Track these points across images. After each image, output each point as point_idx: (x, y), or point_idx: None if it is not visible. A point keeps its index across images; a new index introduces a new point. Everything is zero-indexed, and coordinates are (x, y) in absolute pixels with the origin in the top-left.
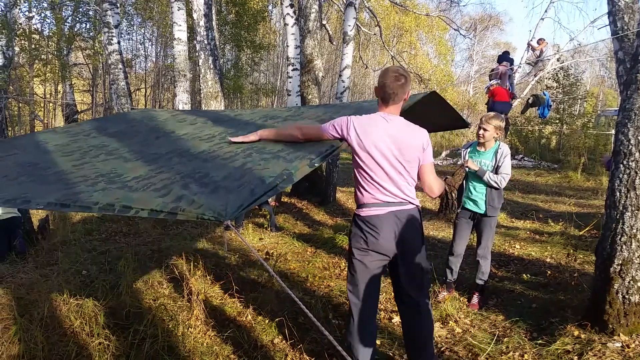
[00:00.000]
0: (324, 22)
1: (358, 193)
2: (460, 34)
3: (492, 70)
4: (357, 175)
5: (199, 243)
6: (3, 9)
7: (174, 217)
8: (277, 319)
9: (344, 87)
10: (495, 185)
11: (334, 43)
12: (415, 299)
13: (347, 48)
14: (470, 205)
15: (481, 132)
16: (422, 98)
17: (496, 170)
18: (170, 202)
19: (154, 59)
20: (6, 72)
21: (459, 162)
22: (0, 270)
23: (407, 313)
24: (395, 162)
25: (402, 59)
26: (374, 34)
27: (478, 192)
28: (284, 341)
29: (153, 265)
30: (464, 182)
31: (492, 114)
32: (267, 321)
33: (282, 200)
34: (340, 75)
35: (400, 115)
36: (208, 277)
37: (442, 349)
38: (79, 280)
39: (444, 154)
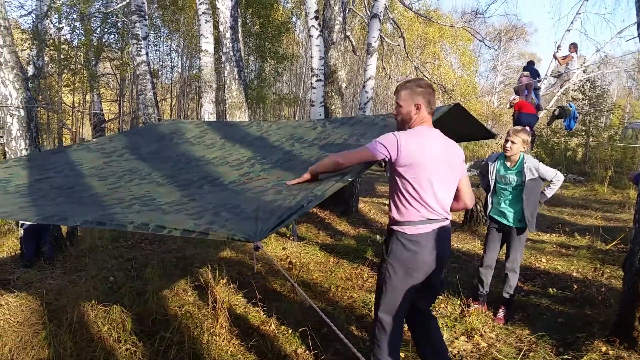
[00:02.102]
0: (348, 33)
1: (401, 209)
2: (485, 44)
3: (519, 81)
4: (402, 191)
5: (223, 251)
6: (34, 20)
7: (205, 237)
8: (300, 329)
9: (367, 98)
10: (553, 192)
11: (357, 54)
12: (429, 311)
13: (371, 59)
14: (499, 217)
15: (508, 144)
16: (447, 111)
17: (543, 181)
18: (202, 224)
19: (179, 70)
20: (36, 82)
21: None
22: (29, 276)
23: (424, 324)
24: (445, 178)
25: (426, 69)
26: (397, 45)
27: (506, 205)
28: (307, 352)
29: (178, 272)
30: (489, 195)
31: (519, 127)
32: (290, 331)
33: None
34: (364, 86)
35: None
36: (232, 286)
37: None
38: (106, 286)
39: (467, 164)
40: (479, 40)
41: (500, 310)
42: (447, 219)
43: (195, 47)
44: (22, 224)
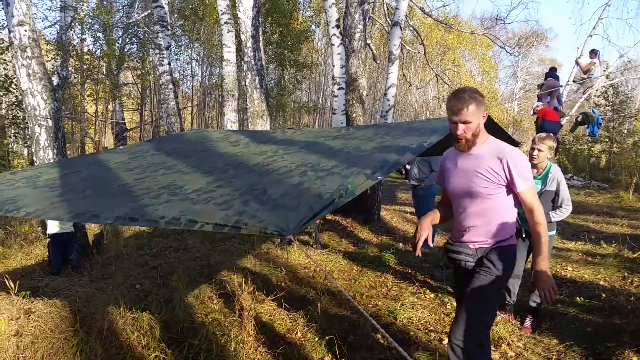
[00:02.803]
0: (368, 41)
1: (510, 224)
2: (507, 51)
3: (539, 86)
4: (511, 208)
5: (246, 259)
6: (58, 31)
7: (237, 232)
8: (327, 337)
9: (389, 105)
10: (559, 218)
11: (378, 61)
12: None
13: (392, 67)
14: (524, 225)
15: (535, 152)
16: None
17: (555, 196)
18: (232, 216)
19: (199, 79)
20: (60, 92)
21: None
22: (57, 283)
23: None
24: None
25: (446, 76)
26: (418, 52)
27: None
28: (334, 359)
29: (203, 280)
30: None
31: (544, 134)
32: (316, 339)
33: (326, 217)
34: (385, 94)
35: (446, 136)
36: (257, 293)
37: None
38: (133, 294)
39: None
40: (500, 46)
41: (527, 319)
42: None
43: (215, 56)
44: (49, 232)
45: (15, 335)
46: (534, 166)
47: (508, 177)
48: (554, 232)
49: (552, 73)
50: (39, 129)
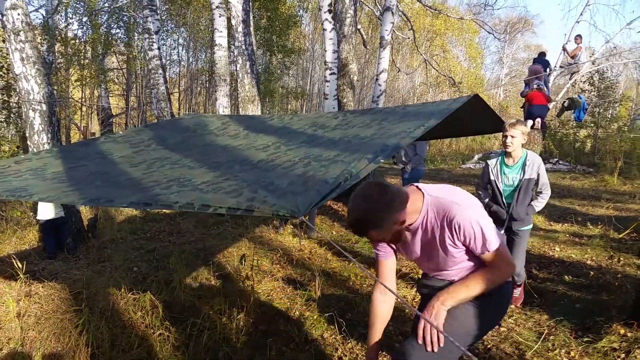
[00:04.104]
0: (358, 26)
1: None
2: (495, 36)
3: (530, 70)
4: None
5: (241, 243)
6: (44, 15)
7: (250, 214)
8: (327, 314)
9: (380, 90)
10: (542, 206)
11: (368, 47)
12: None
13: (383, 52)
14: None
15: (508, 140)
16: (466, 102)
17: (536, 183)
18: (244, 202)
19: (185, 64)
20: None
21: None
22: (53, 267)
23: None
24: None
25: (434, 61)
26: (408, 38)
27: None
28: (333, 336)
29: (200, 263)
30: (495, 194)
31: (514, 119)
32: (315, 316)
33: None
34: (376, 79)
35: (442, 120)
36: (254, 275)
37: (488, 346)
38: (131, 276)
39: (476, 157)
40: (488, 32)
41: (515, 289)
42: None
43: (202, 41)
44: (40, 219)
45: (18, 317)
46: (507, 155)
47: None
48: (530, 227)
49: (540, 58)
50: (33, 113)
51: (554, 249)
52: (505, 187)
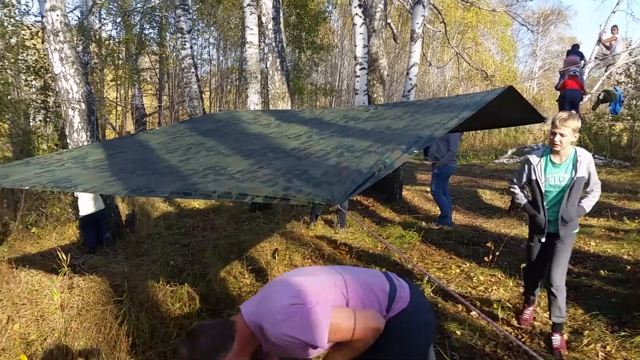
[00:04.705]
0: (388, 20)
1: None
2: (528, 28)
3: (565, 62)
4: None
5: (272, 238)
6: (79, 16)
7: (287, 203)
8: None
9: (411, 85)
10: (592, 206)
11: (398, 41)
12: None
13: (414, 46)
14: (551, 224)
15: (557, 138)
16: (501, 93)
17: (586, 184)
18: (280, 190)
19: (216, 63)
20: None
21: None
22: (93, 261)
23: None
24: None
25: (466, 54)
26: (439, 31)
27: (549, 210)
28: None
29: (233, 257)
30: (535, 196)
31: (566, 114)
32: None
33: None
34: (407, 73)
35: (476, 112)
36: (285, 268)
37: (522, 339)
38: (168, 270)
39: (509, 152)
40: (521, 24)
41: (556, 336)
42: None
43: (232, 40)
44: (81, 214)
45: (61, 308)
46: (555, 153)
47: None
48: (577, 231)
49: (574, 50)
50: (72, 112)
51: (589, 244)
52: (550, 188)
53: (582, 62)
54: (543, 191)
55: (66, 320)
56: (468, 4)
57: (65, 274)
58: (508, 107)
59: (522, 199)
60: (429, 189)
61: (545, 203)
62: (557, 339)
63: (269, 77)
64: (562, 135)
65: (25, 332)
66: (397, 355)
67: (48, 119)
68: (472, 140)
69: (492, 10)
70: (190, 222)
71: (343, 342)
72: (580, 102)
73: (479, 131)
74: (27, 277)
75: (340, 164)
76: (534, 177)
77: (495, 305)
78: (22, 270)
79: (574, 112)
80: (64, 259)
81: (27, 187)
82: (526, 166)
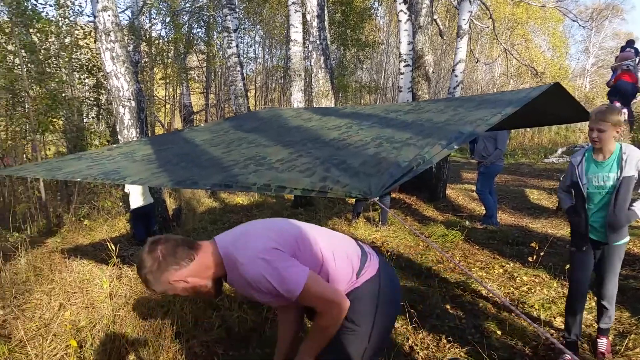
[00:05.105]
0: (435, 16)
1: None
2: (579, 24)
3: (619, 57)
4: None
5: None
6: (130, 16)
7: (324, 195)
8: None
9: (457, 81)
10: None
11: (445, 38)
12: None
13: (461, 42)
14: (592, 230)
15: (595, 134)
16: (546, 90)
17: (638, 185)
18: (317, 182)
19: (261, 61)
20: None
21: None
22: None
23: None
24: None
25: (515, 51)
26: (487, 27)
27: (596, 214)
28: (404, 326)
29: None
30: (577, 199)
31: (604, 107)
32: None
33: (390, 195)
34: (453, 70)
35: (520, 108)
36: None
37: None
38: None
39: (559, 150)
40: (572, 20)
41: (602, 339)
42: None
43: (277, 38)
44: (133, 208)
45: (110, 297)
46: (597, 151)
47: None
48: (627, 239)
49: (629, 45)
50: (122, 109)
51: (639, 246)
52: (593, 190)
53: (638, 58)
54: (584, 193)
55: (114, 308)
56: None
57: (114, 264)
58: (555, 105)
59: (564, 203)
60: (474, 188)
61: (588, 207)
62: (603, 343)
63: (312, 75)
64: (600, 130)
65: (76, 318)
66: (366, 319)
67: (100, 116)
68: (522, 138)
69: (542, 6)
70: (234, 218)
71: (313, 327)
72: (634, 101)
73: (528, 129)
74: (79, 266)
75: (378, 154)
76: (575, 179)
77: (537, 306)
78: (74, 260)
79: (614, 105)
80: (113, 250)
81: (78, 179)
82: (569, 168)
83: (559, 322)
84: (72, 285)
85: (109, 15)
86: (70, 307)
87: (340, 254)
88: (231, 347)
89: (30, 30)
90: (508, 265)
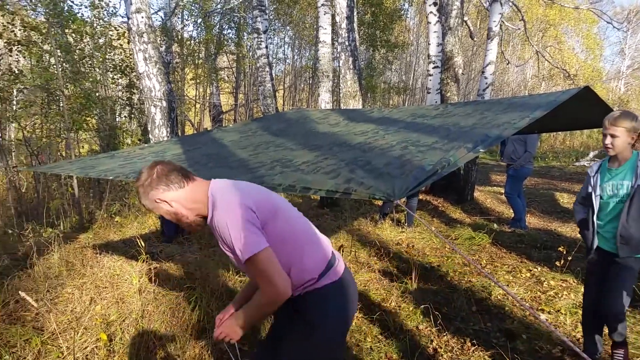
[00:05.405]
0: (465, 18)
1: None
2: (614, 26)
3: None
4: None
5: (339, 234)
6: (162, 17)
7: (348, 197)
8: (422, 306)
9: (486, 83)
10: None
11: (475, 39)
12: None
13: (491, 44)
14: (601, 242)
15: (608, 140)
16: (576, 94)
17: None
18: (342, 184)
19: (290, 62)
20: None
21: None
22: (170, 250)
23: None
24: None
25: (547, 53)
26: (518, 29)
27: (607, 224)
28: (428, 328)
29: None
30: (590, 212)
31: (618, 112)
32: (411, 308)
33: (418, 197)
34: (483, 72)
35: (549, 112)
36: (351, 265)
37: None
38: None
39: (591, 154)
40: (607, 22)
41: (617, 352)
42: None
43: (306, 39)
44: None
45: (139, 292)
46: (613, 159)
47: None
48: None
49: None
50: (154, 109)
51: None
52: (608, 199)
53: None
54: (594, 204)
55: (143, 303)
56: (549, 1)
57: (144, 260)
58: (585, 108)
59: (578, 215)
60: (502, 191)
61: (600, 216)
62: (619, 354)
63: (340, 76)
64: (613, 136)
65: (106, 313)
66: (321, 322)
67: (132, 115)
68: (553, 141)
69: (575, 8)
70: None
71: (253, 299)
72: None
73: (559, 132)
74: (110, 262)
75: (403, 156)
76: (590, 189)
77: (563, 311)
78: (105, 256)
79: (629, 111)
80: (143, 247)
81: (111, 177)
82: (586, 178)
83: None
84: (103, 280)
85: (142, 17)
86: (100, 301)
87: (310, 247)
88: (257, 344)
89: (66, 30)
90: (535, 270)
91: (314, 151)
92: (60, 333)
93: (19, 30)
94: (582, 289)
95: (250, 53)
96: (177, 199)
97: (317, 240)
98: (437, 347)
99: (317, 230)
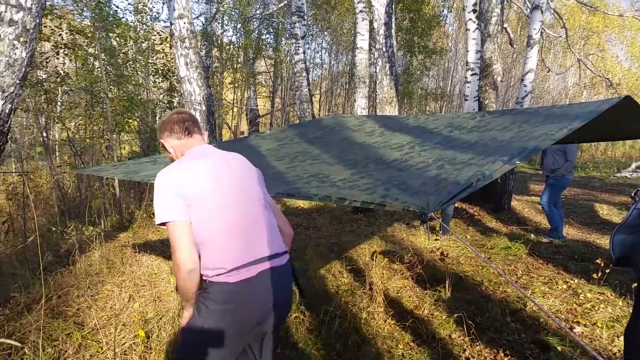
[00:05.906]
0: (505, 25)
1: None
2: None
3: None
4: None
5: (373, 240)
6: (203, 22)
7: (382, 208)
8: (455, 315)
9: (526, 91)
10: None
11: (515, 46)
12: None
13: (531, 52)
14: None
15: None
16: (616, 103)
17: None
18: (377, 198)
19: (327, 67)
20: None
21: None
22: None
23: None
24: None
25: (589, 61)
26: (559, 37)
27: None
28: (461, 337)
29: (333, 256)
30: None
31: None
32: (444, 317)
33: (454, 205)
34: (522, 80)
35: (588, 122)
36: (384, 271)
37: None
38: None
39: (633, 165)
40: None
41: None
42: None
43: (344, 45)
44: None
45: (176, 291)
46: None
47: None
48: None
49: None
50: (194, 113)
51: None
52: None
53: None
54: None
55: (179, 302)
56: (592, 8)
57: None
58: (626, 119)
59: (617, 250)
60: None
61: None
62: None
63: (377, 82)
64: None
65: (144, 310)
66: (211, 315)
67: None
68: (593, 151)
69: (619, 15)
70: (294, 220)
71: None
72: None
73: (600, 142)
74: (148, 261)
75: (439, 176)
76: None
77: (599, 324)
78: (144, 255)
79: None
80: None
81: (153, 182)
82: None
83: (621, 340)
84: (142, 278)
85: (184, 23)
86: (139, 299)
87: (230, 241)
88: (289, 346)
89: (111, 34)
90: (572, 282)
91: (350, 168)
92: (100, 329)
93: (66, 33)
94: (620, 302)
95: (288, 58)
96: (172, 146)
97: (242, 239)
98: (469, 356)
99: (263, 233)
